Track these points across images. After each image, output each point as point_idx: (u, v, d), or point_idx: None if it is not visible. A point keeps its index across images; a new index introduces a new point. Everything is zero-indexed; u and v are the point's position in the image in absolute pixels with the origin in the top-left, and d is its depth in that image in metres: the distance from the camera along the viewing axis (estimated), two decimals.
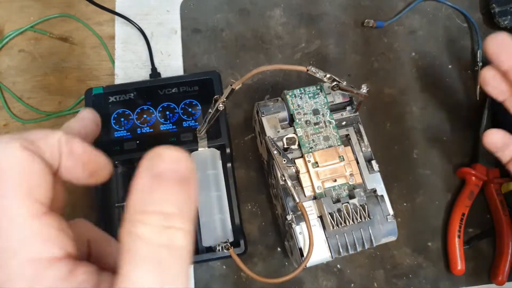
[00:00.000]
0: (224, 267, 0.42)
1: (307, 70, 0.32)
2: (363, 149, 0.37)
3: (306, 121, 0.36)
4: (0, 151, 0.17)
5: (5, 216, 0.17)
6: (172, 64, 0.48)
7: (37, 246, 0.17)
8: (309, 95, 0.37)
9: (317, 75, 0.32)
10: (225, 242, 0.37)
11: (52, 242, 0.17)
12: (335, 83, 0.33)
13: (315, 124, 0.36)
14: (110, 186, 0.42)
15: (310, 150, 0.35)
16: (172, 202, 0.16)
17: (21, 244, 0.16)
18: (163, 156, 0.16)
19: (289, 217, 0.34)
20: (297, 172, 0.35)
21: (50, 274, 0.16)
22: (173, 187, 0.16)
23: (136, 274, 0.15)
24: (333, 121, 0.37)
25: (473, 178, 0.44)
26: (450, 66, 0.49)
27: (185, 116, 0.41)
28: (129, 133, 0.41)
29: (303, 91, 0.38)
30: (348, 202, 0.33)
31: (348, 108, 0.38)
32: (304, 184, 0.34)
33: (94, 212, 0.40)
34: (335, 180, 0.35)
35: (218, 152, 0.41)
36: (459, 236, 0.42)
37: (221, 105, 0.34)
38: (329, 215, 0.32)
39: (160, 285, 0.15)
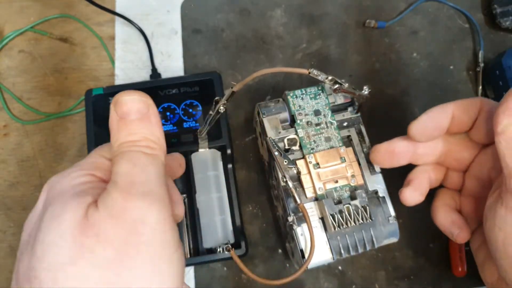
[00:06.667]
0: (225, 268, 0.41)
1: (309, 73, 0.32)
2: (365, 150, 0.37)
3: (307, 122, 0.36)
4: None
5: None
6: (172, 65, 0.48)
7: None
8: (310, 96, 0.37)
9: (319, 78, 0.32)
10: (226, 244, 0.37)
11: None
12: (337, 85, 0.33)
13: (317, 125, 0.36)
14: None
15: (311, 151, 0.35)
16: (137, 134, 0.22)
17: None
18: (122, 101, 0.22)
19: (290, 219, 0.34)
20: (298, 173, 0.35)
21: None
22: (134, 123, 0.22)
23: (118, 166, 0.21)
24: (334, 122, 0.36)
25: None
26: (451, 67, 0.49)
27: (186, 117, 0.41)
28: None
29: (304, 92, 0.37)
30: (349, 204, 0.33)
31: (350, 109, 0.37)
32: (305, 185, 0.34)
33: None
34: (337, 181, 0.34)
35: (219, 153, 0.41)
36: None
37: (222, 107, 0.34)
38: (331, 217, 0.32)
39: (136, 167, 0.21)
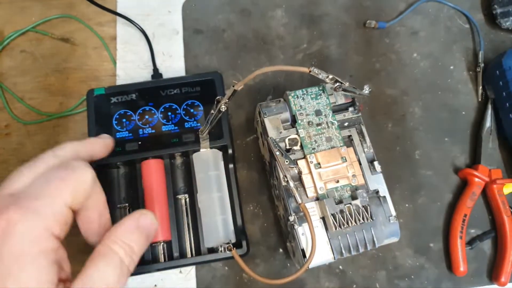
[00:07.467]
0: (226, 268, 0.42)
1: (310, 71, 0.32)
2: (365, 150, 0.37)
3: (308, 122, 0.36)
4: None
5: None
6: (173, 65, 0.48)
7: None
8: (312, 96, 0.37)
9: (320, 76, 0.32)
10: (227, 243, 0.37)
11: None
12: (337, 84, 0.33)
13: (318, 125, 0.36)
14: (112, 187, 0.41)
15: (313, 151, 0.35)
16: (136, 243, 0.27)
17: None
18: (147, 216, 0.28)
19: (291, 218, 0.34)
20: (300, 173, 0.35)
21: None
22: (142, 237, 0.28)
23: (102, 268, 0.25)
24: (335, 122, 0.37)
25: (475, 179, 0.43)
26: (452, 67, 0.49)
27: (187, 117, 0.41)
28: (130, 134, 0.41)
29: (305, 92, 0.37)
30: (350, 203, 0.33)
31: (351, 109, 0.38)
32: (306, 185, 0.34)
33: None
34: (338, 181, 0.34)
35: (220, 153, 0.41)
36: (461, 237, 0.42)
37: (223, 106, 0.34)
38: (332, 216, 0.32)
39: (116, 278, 0.25)
